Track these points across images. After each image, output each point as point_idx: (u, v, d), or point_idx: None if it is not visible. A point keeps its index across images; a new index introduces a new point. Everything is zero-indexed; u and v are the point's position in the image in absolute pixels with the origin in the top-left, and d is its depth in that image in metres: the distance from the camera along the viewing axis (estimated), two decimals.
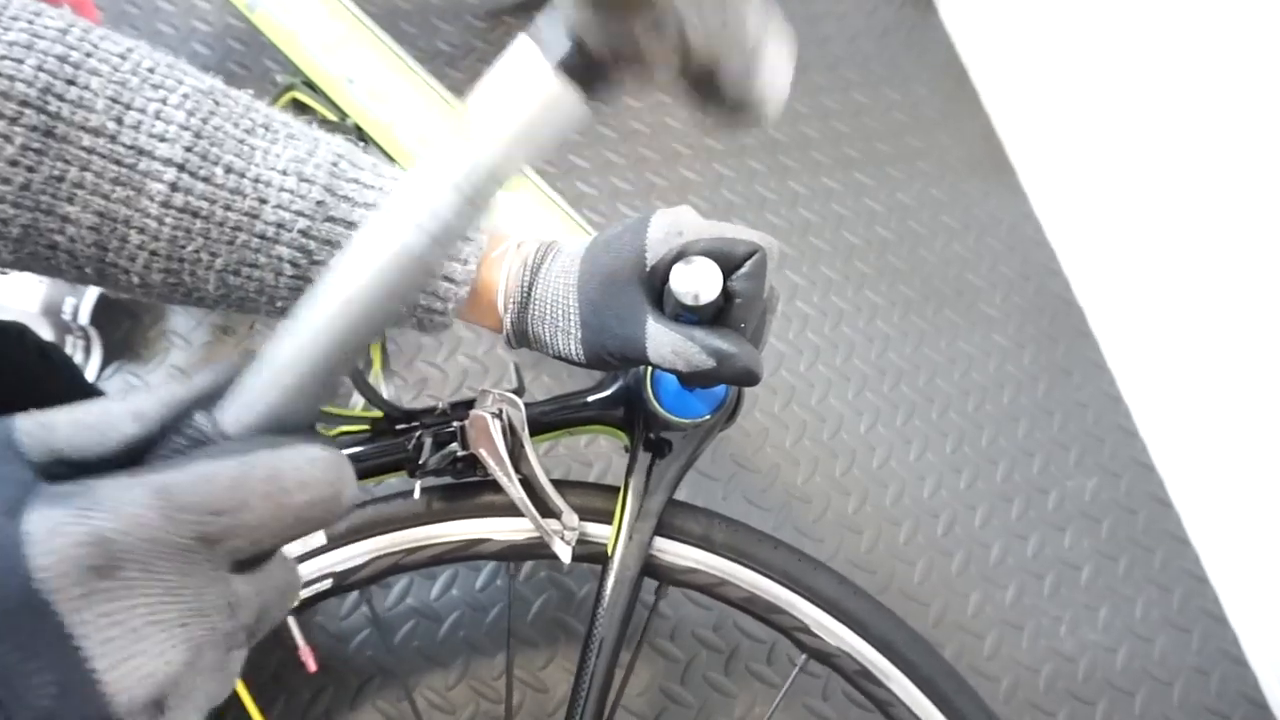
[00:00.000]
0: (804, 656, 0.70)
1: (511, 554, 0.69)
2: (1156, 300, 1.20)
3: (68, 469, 0.28)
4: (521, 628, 0.95)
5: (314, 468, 0.28)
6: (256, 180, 0.44)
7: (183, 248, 0.44)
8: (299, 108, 0.94)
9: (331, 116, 0.89)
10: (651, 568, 0.69)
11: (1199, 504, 1.16)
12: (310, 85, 0.90)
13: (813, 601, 0.68)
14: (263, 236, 0.45)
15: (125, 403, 0.29)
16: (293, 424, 0.30)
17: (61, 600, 0.24)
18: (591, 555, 0.68)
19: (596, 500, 0.68)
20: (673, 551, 0.69)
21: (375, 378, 0.86)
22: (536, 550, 0.69)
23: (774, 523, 1.07)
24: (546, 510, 0.65)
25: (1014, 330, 1.28)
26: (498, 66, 0.32)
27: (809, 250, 1.28)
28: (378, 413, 0.67)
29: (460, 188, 0.32)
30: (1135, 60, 1.20)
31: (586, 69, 0.32)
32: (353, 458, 0.67)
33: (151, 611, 0.25)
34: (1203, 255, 1.12)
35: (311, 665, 0.70)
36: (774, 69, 0.36)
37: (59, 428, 0.28)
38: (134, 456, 0.29)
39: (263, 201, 0.44)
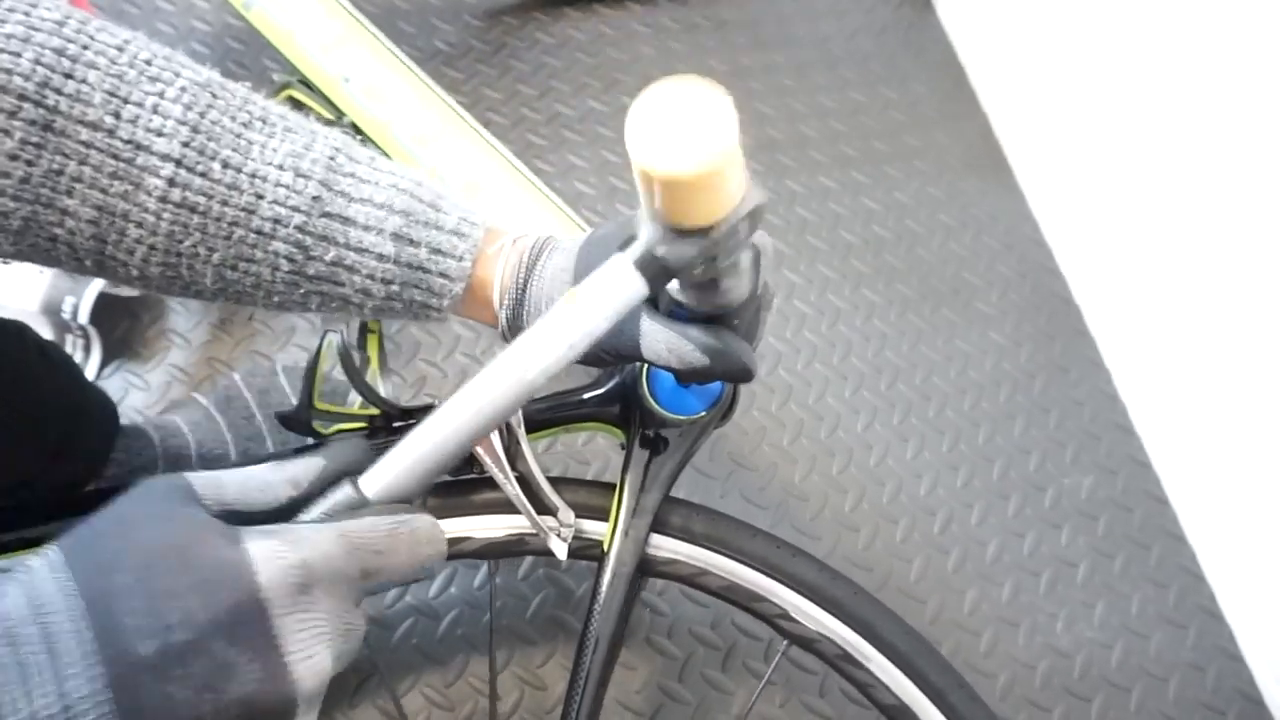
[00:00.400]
0: (785, 643, 0.70)
1: (506, 551, 0.69)
2: (1153, 298, 1.20)
3: (233, 520, 0.35)
4: (519, 625, 0.96)
5: (433, 530, 0.39)
6: (253, 175, 0.44)
7: (180, 242, 0.44)
8: (296, 107, 0.94)
9: (328, 115, 0.89)
10: (646, 564, 0.69)
11: (1195, 501, 1.16)
12: (307, 84, 0.90)
13: (792, 587, 0.68)
14: (259, 232, 0.45)
15: (283, 472, 0.38)
16: (411, 495, 0.39)
17: (275, 609, 0.32)
18: (588, 552, 0.68)
19: (593, 497, 0.69)
20: (653, 544, 0.69)
21: (373, 376, 0.86)
22: (532, 547, 0.69)
23: (771, 520, 1.07)
24: (543, 507, 0.65)
25: (1011, 328, 1.28)
26: (600, 275, 0.41)
27: (806, 249, 1.28)
28: (375, 410, 0.68)
29: (572, 344, 0.40)
30: (1133, 59, 1.21)
31: (658, 278, 0.40)
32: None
33: (325, 624, 0.34)
34: (1200, 253, 1.13)
35: None
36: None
37: (228, 487, 0.36)
38: (286, 514, 0.37)
39: (259, 197, 0.44)
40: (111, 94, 0.41)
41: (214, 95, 0.44)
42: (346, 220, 0.46)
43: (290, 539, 0.34)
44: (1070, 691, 1.04)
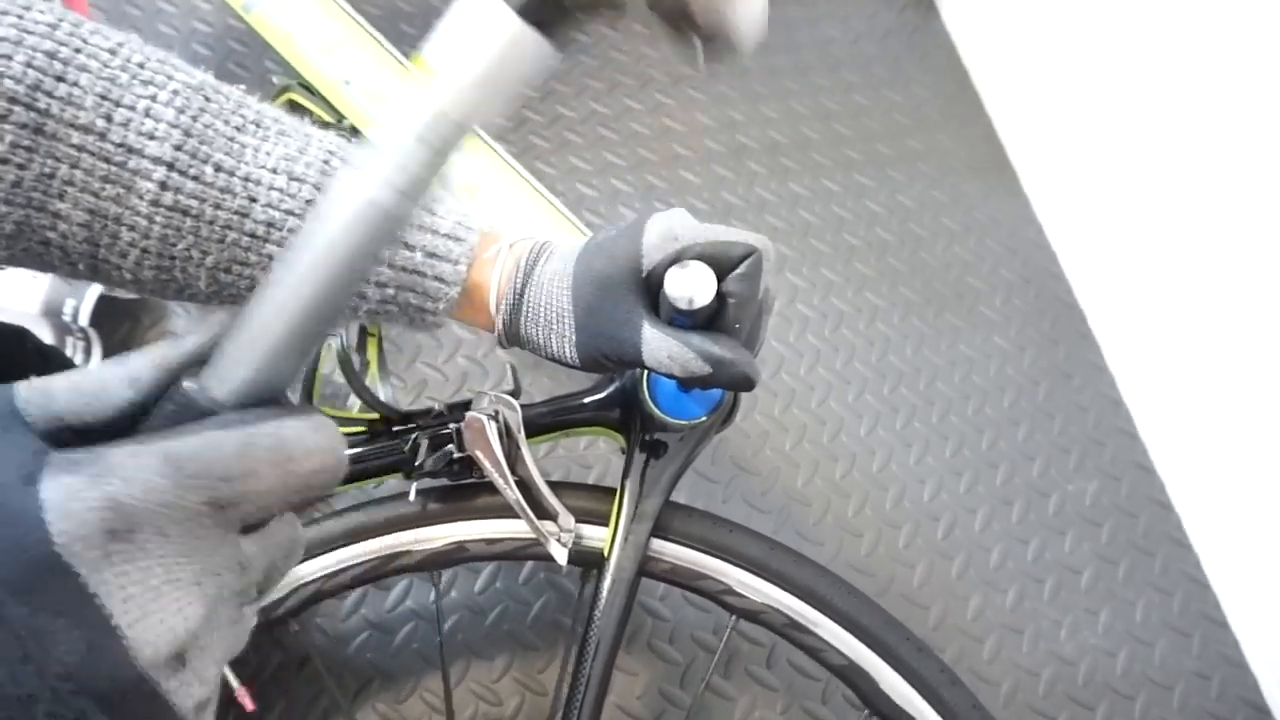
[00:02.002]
0: (733, 617, 0.71)
1: (507, 556, 0.69)
2: (1158, 303, 1.20)
3: (70, 434, 0.29)
4: (521, 630, 0.95)
5: (316, 436, 0.30)
6: (246, 179, 0.44)
7: (173, 245, 0.44)
8: (295, 110, 0.94)
9: (328, 118, 0.89)
10: (647, 568, 0.69)
11: (1200, 508, 1.15)
12: (307, 87, 0.90)
13: (733, 563, 0.68)
14: (253, 235, 0.45)
15: (120, 368, 0.30)
16: (275, 388, 0.31)
17: (82, 562, 0.25)
18: (588, 557, 0.68)
19: (593, 502, 0.68)
20: (654, 549, 0.69)
21: (372, 380, 0.86)
22: (533, 552, 0.68)
23: (774, 525, 1.07)
24: (543, 512, 0.65)
25: (1015, 333, 1.28)
26: (454, 10, 0.32)
27: (809, 252, 1.28)
28: (374, 414, 0.67)
29: (425, 139, 0.32)
30: (1137, 63, 1.20)
31: (547, 7, 0.32)
32: (349, 459, 0.67)
33: (167, 571, 0.27)
34: (1204, 258, 1.12)
35: (249, 704, 0.70)
36: None
37: (58, 394, 0.29)
38: (132, 420, 0.30)
39: (253, 200, 0.44)
40: (103, 97, 0.41)
41: (207, 99, 0.44)
42: None
43: (95, 471, 0.26)
44: (1074, 699, 1.04)
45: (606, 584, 0.66)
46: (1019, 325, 1.28)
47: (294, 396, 0.95)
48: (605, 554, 0.67)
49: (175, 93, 0.43)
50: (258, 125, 0.45)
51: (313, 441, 0.30)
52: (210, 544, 0.28)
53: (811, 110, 1.41)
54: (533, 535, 0.65)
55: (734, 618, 0.71)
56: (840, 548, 1.08)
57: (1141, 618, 1.10)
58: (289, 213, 0.45)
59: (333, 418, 0.68)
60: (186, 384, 0.30)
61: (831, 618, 0.68)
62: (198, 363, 0.31)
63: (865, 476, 1.13)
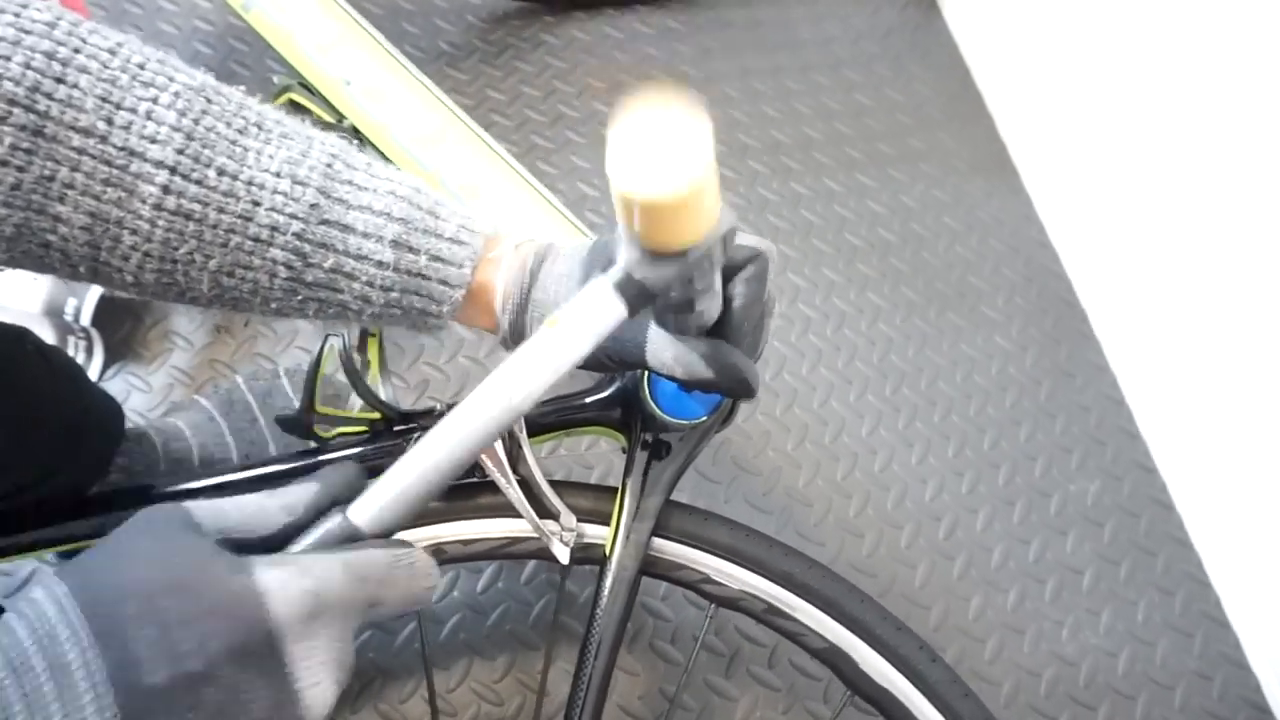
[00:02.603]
0: (712, 605, 0.71)
1: (508, 554, 0.69)
2: (1160, 303, 1.20)
3: (231, 546, 0.34)
4: (522, 630, 0.95)
5: (431, 567, 0.39)
6: (249, 183, 0.44)
7: (175, 249, 0.44)
8: (296, 109, 0.93)
9: (328, 118, 0.89)
10: (649, 567, 0.69)
11: (1201, 508, 1.15)
12: (307, 87, 0.89)
13: (709, 551, 0.69)
14: (256, 239, 0.44)
15: (280, 499, 0.38)
16: (398, 527, 0.40)
17: (286, 637, 0.32)
18: (590, 556, 0.68)
19: (594, 501, 0.68)
20: (655, 548, 0.69)
21: (373, 380, 0.86)
22: (534, 551, 0.68)
23: (776, 526, 1.07)
24: (545, 511, 0.65)
25: (1017, 333, 1.27)
26: (580, 300, 0.41)
27: (811, 252, 1.28)
28: (376, 414, 0.67)
29: (555, 368, 0.41)
30: (1139, 62, 1.20)
31: (639, 302, 0.41)
32: (351, 459, 0.67)
33: (331, 651, 0.34)
34: (1206, 258, 1.12)
35: None
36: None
37: (229, 514, 0.36)
38: (281, 541, 0.37)
39: (256, 204, 0.44)
40: (104, 99, 0.41)
41: (208, 101, 0.44)
42: (345, 227, 0.46)
43: (299, 568, 0.34)
44: (1075, 699, 1.04)
45: (608, 583, 0.66)
46: (1021, 325, 1.28)
47: (296, 400, 0.95)
48: (607, 553, 0.67)
49: (177, 95, 0.42)
50: (260, 128, 0.45)
51: (430, 569, 0.39)
52: (351, 634, 0.36)
53: (813, 109, 1.41)
54: (535, 534, 0.65)
55: (713, 606, 0.71)
56: (842, 548, 1.08)
57: (1143, 618, 1.10)
58: (292, 216, 0.45)
59: (334, 417, 0.68)
60: (339, 515, 0.38)
61: (810, 601, 0.68)
62: (342, 501, 0.39)
63: (867, 476, 1.13)
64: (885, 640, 0.68)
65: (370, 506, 0.39)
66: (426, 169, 0.83)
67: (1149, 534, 1.16)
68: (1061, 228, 1.36)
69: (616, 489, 0.68)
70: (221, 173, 0.43)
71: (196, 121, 0.43)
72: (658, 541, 0.69)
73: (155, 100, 0.42)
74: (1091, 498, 1.17)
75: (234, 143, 0.44)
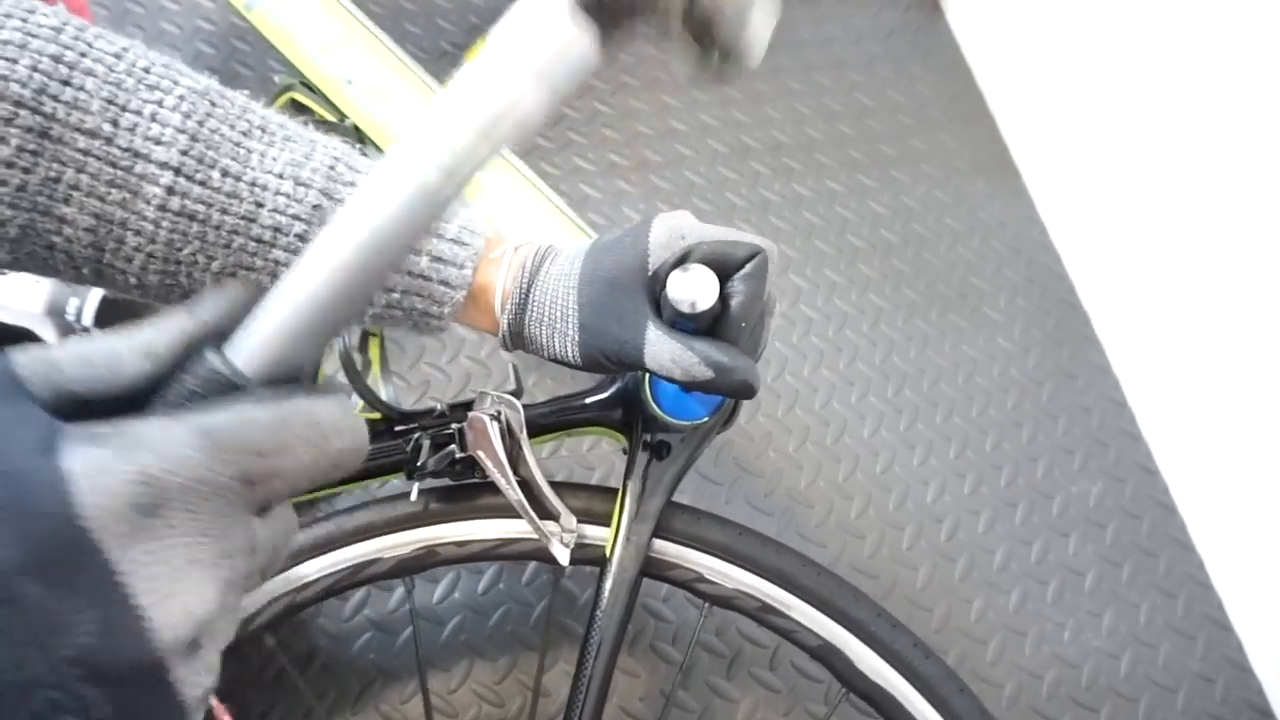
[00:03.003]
0: (706, 605, 0.71)
1: (508, 556, 0.69)
2: (1162, 304, 1.20)
3: (75, 407, 0.28)
4: (523, 631, 0.95)
5: (346, 415, 0.30)
6: (253, 184, 0.44)
7: (179, 250, 0.44)
8: (297, 109, 0.94)
9: (330, 117, 0.89)
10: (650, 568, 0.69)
11: (1203, 509, 1.15)
12: (309, 87, 0.90)
13: (703, 550, 0.69)
14: (259, 240, 0.45)
15: (133, 339, 0.29)
16: (301, 366, 0.30)
17: (108, 538, 0.24)
18: (590, 557, 0.68)
19: (595, 502, 0.68)
20: (656, 549, 0.69)
21: (374, 380, 0.86)
22: (535, 552, 0.68)
23: (777, 527, 1.07)
24: (545, 512, 0.65)
25: (1019, 334, 1.27)
26: (518, 6, 0.33)
27: (813, 253, 1.28)
28: (376, 414, 0.67)
29: (476, 126, 0.32)
30: (1141, 63, 1.20)
31: (603, 11, 0.32)
32: None
33: (189, 551, 0.26)
34: (1208, 260, 1.12)
35: None
36: (760, 20, 0.37)
37: (65, 365, 0.28)
38: (146, 394, 0.29)
39: (259, 205, 0.44)
40: (109, 102, 0.41)
41: (213, 103, 0.44)
42: None
43: (125, 443, 0.25)
44: (1077, 701, 1.03)
45: (608, 584, 0.66)
46: (1023, 326, 1.28)
47: None
48: (607, 554, 0.67)
49: (181, 98, 0.43)
50: (263, 130, 0.45)
51: (343, 421, 0.30)
52: (229, 524, 0.27)
53: (814, 110, 1.41)
54: (535, 535, 0.65)
55: (707, 605, 0.71)
56: (844, 550, 1.08)
57: (1145, 620, 1.10)
58: (295, 218, 0.45)
59: None
60: (211, 358, 0.29)
61: (803, 599, 0.68)
62: (217, 336, 0.30)
63: (868, 478, 1.13)
64: (879, 637, 0.68)
65: (255, 340, 0.30)
66: None
67: (1151, 536, 1.15)
68: (1064, 229, 1.35)
69: (617, 490, 0.68)
70: (225, 174, 0.43)
71: (201, 124, 0.43)
72: (660, 542, 0.69)
73: (160, 103, 0.42)
74: (1094, 499, 1.17)
75: (238, 145, 0.44)
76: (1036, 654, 1.06)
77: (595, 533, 0.68)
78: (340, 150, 0.48)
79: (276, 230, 0.45)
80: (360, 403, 0.66)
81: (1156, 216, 1.19)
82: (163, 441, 0.26)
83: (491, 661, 0.93)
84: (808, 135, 1.38)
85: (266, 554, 0.30)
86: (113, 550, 0.24)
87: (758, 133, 1.36)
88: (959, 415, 1.19)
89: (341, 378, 0.66)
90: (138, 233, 0.43)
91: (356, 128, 0.86)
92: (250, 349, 0.30)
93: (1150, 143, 1.19)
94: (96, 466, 0.24)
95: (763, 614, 0.69)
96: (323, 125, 0.88)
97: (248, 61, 1.24)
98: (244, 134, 0.44)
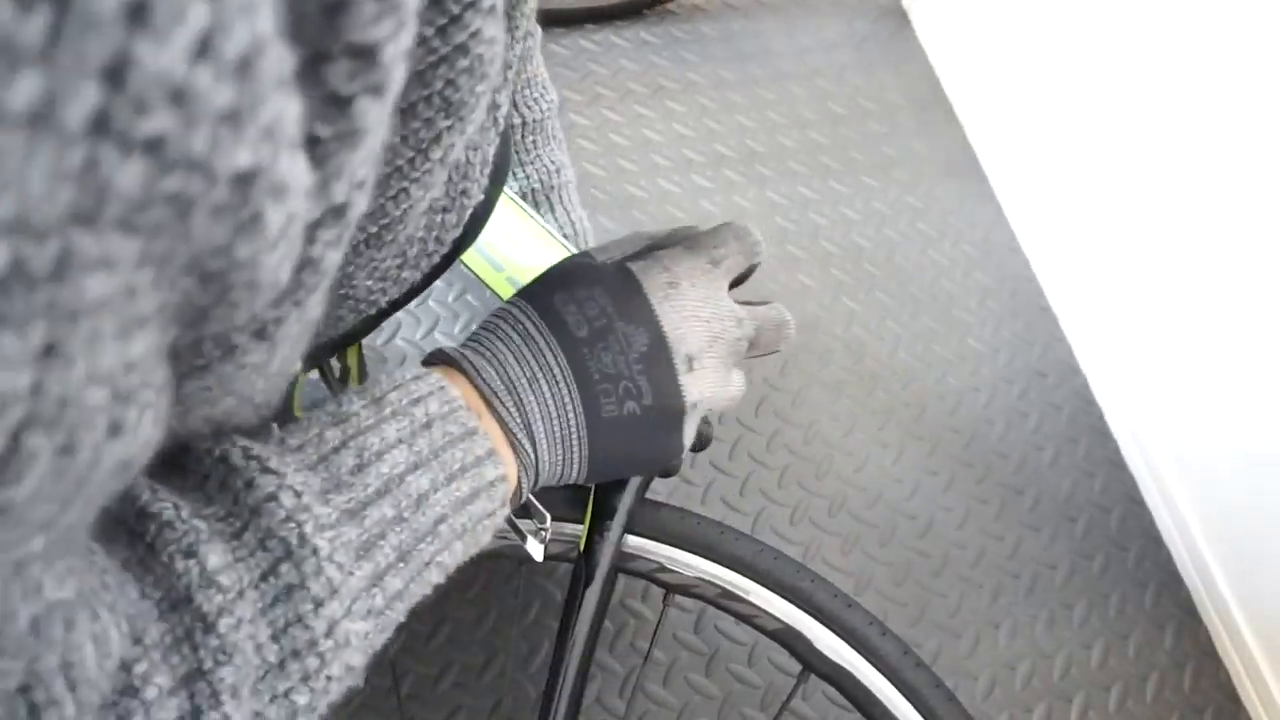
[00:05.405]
0: (667, 594, 0.73)
1: (485, 552, 0.70)
2: (1127, 304, 1.22)
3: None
4: (504, 627, 0.97)
5: (748, 225, 0.54)
6: None
7: None
8: None
9: None
10: (622, 564, 0.70)
11: (1171, 503, 1.18)
12: None
13: (661, 540, 0.71)
14: None
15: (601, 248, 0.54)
16: None
17: (654, 299, 0.48)
18: (564, 553, 0.70)
19: (569, 499, 0.70)
20: (628, 544, 0.71)
21: (354, 385, 0.87)
22: (509, 549, 0.70)
23: (750, 525, 1.08)
24: (520, 509, 0.66)
25: (990, 335, 1.30)
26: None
27: (787, 258, 1.30)
28: None
29: None
30: (1103, 70, 1.23)
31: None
32: None
33: (693, 309, 0.49)
34: (1171, 259, 1.15)
35: None
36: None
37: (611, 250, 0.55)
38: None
39: None
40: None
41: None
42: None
43: (658, 262, 0.50)
44: (1052, 691, 1.05)
45: (583, 580, 0.68)
46: (994, 327, 1.31)
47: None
48: (581, 550, 0.68)
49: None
50: None
51: (746, 226, 0.54)
52: (716, 295, 0.50)
53: (787, 119, 1.43)
54: (509, 532, 0.67)
55: (667, 594, 0.73)
56: (819, 548, 1.09)
57: (1116, 611, 1.12)
58: None
59: None
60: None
61: (760, 583, 0.70)
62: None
63: (841, 478, 1.15)
64: (836, 617, 0.70)
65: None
66: None
67: (1121, 529, 1.18)
68: (1031, 233, 1.38)
69: (589, 487, 0.70)
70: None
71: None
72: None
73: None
74: (1065, 494, 1.19)
75: None
76: (1011, 646, 1.08)
77: (569, 529, 0.69)
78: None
79: None
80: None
81: (1121, 219, 1.22)
82: (670, 256, 0.50)
83: (477, 658, 0.95)
84: (780, 143, 1.41)
85: (750, 331, 0.51)
86: (655, 305, 0.48)
87: (732, 141, 1.38)
88: (932, 415, 1.21)
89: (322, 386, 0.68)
90: None
91: None
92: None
93: (1113, 148, 1.22)
94: (642, 265, 0.50)
95: (723, 600, 0.71)
96: None
97: None
98: None
